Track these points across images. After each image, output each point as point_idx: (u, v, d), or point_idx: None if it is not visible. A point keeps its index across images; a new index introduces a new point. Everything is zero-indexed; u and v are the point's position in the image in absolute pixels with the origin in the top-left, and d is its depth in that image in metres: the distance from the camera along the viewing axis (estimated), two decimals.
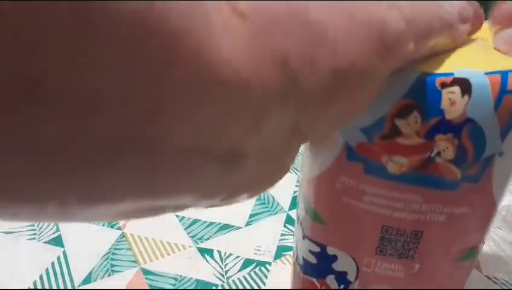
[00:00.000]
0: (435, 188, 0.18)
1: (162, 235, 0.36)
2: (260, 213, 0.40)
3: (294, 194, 0.42)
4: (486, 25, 0.20)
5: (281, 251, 0.35)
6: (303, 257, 0.24)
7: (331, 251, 0.22)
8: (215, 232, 0.37)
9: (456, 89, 0.16)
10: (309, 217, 0.22)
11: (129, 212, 0.11)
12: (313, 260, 0.23)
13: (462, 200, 0.18)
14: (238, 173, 0.12)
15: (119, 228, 0.37)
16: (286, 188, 0.43)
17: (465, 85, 0.16)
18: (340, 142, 0.18)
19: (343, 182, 0.19)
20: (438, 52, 0.17)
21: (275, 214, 0.39)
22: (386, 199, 0.19)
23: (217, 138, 0.11)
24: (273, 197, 0.42)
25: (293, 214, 0.40)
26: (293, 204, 0.41)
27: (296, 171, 0.47)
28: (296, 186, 0.44)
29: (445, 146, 0.17)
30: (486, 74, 0.16)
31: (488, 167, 0.18)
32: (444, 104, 0.16)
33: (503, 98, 0.16)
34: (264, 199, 0.42)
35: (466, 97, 0.16)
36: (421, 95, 0.16)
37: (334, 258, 0.22)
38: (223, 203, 0.14)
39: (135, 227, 0.37)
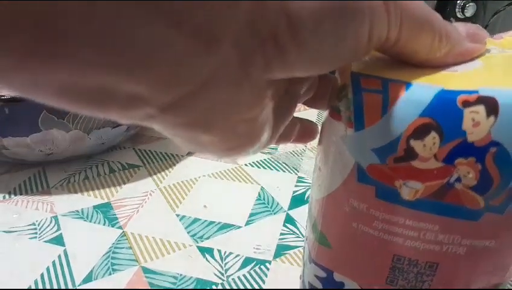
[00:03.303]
0: (454, 217, 0.16)
1: (162, 234, 0.36)
2: (260, 213, 0.39)
3: (294, 194, 0.42)
4: None
5: (280, 250, 0.34)
6: (309, 282, 0.22)
7: (338, 277, 0.20)
8: (215, 232, 0.36)
9: (481, 108, 0.14)
10: (316, 239, 0.20)
11: (72, 89, 0.11)
12: (318, 285, 0.21)
13: (485, 232, 0.17)
14: (209, 60, 0.12)
15: (120, 227, 0.37)
16: (286, 188, 0.43)
17: (490, 104, 0.14)
18: (351, 162, 0.17)
19: (353, 205, 0.18)
20: (436, 63, 0.16)
21: (274, 213, 0.39)
22: (399, 227, 0.17)
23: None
24: (273, 197, 0.41)
25: (293, 213, 0.39)
26: (293, 204, 0.40)
27: (295, 171, 0.46)
28: (296, 186, 0.43)
29: (466, 171, 0.15)
30: None
31: None
32: (466, 125, 0.14)
33: None
34: (264, 198, 0.41)
35: (492, 118, 0.14)
36: (441, 114, 0.15)
37: (341, 285, 0.20)
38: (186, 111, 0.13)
39: (136, 226, 0.36)
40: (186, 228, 0.37)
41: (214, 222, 0.38)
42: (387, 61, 0.17)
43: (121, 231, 0.36)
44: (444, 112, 0.15)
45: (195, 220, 0.38)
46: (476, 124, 0.15)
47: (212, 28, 0.11)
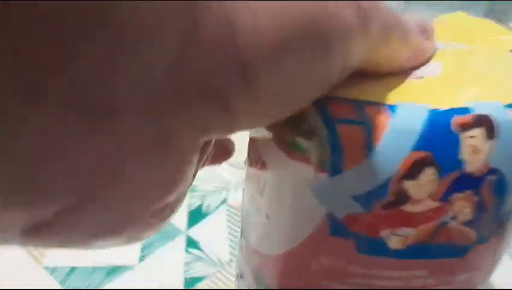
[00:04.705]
0: (442, 258, 0.14)
1: None
2: (154, 242, 0.32)
3: (190, 209, 0.36)
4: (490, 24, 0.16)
5: (189, 285, 0.29)
6: None
7: None
8: (102, 280, 0.29)
9: (479, 131, 0.12)
10: None
11: None
12: None
13: (470, 265, 0.15)
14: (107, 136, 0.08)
15: None
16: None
17: (488, 126, 0.12)
18: (320, 212, 0.14)
19: (324, 263, 0.15)
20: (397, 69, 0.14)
21: (172, 239, 0.33)
22: (382, 279, 0.14)
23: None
24: None
25: (193, 233, 0.33)
26: (191, 221, 0.35)
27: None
28: (191, 197, 0.38)
29: (462, 206, 0.13)
30: (506, 106, 0.12)
31: (503, 222, 0.14)
32: (465, 153, 0.12)
33: None
34: None
35: (490, 142, 0.12)
36: (436, 144, 0.12)
37: None
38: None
39: None
40: (61, 282, 0.29)
41: (99, 267, 0.30)
42: None
43: None
44: (439, 141, 0.12)
45: (72, 269, 0.30)
46: (475, 151, 0.12)
47: (95, 99, 0.07)
